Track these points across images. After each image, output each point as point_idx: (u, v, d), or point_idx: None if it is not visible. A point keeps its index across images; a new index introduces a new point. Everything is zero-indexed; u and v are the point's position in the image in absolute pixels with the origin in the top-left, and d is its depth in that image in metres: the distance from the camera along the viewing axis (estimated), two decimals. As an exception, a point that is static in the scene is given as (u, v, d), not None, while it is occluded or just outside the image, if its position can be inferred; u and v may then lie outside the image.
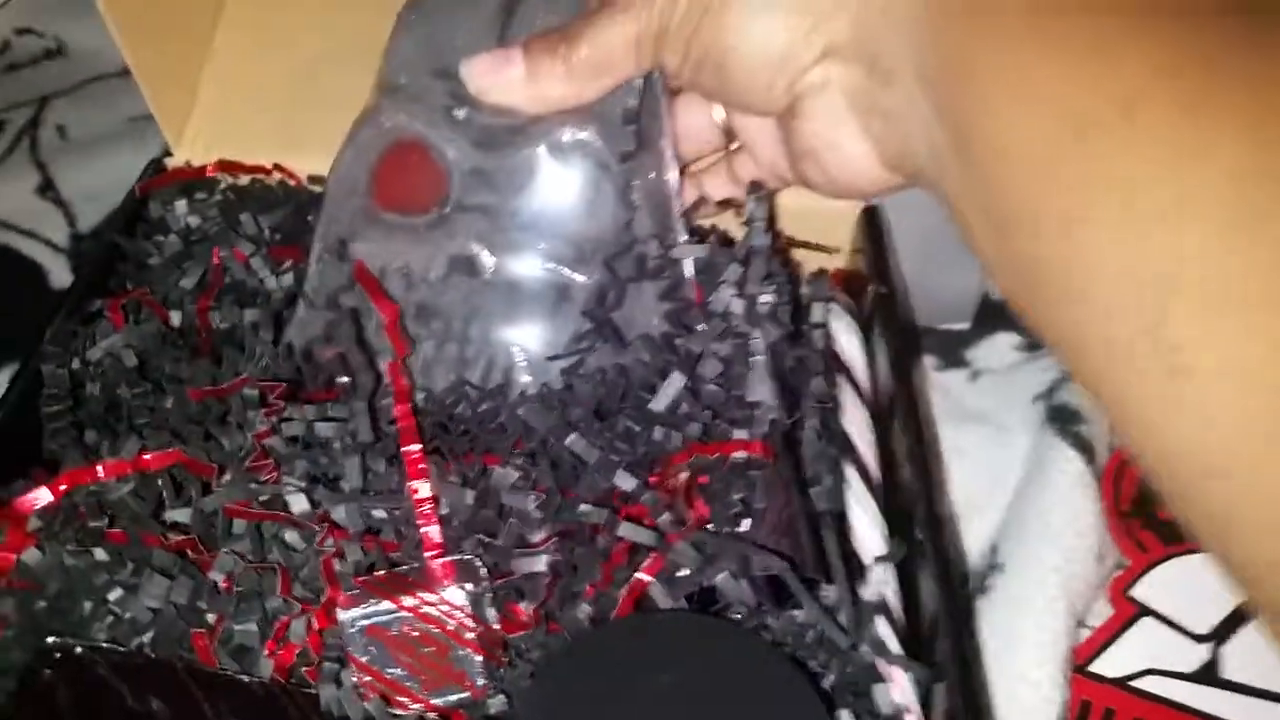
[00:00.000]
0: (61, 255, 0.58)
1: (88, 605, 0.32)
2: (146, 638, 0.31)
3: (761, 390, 0.35)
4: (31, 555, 0.32)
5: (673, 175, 0.37)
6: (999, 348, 0.51)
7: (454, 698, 0.31)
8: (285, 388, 0.36)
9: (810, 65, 0.31)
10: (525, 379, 0.36)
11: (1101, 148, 0.22)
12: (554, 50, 0.34)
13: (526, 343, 0.36)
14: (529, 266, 0.35)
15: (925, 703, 0.31)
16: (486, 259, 0.35)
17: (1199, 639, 0.40)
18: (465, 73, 0.36)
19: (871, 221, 0.44)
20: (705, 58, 0.32)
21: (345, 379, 0.35)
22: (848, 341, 0.41)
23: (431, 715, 0.31)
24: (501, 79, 0.35)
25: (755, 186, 0.40)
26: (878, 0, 0.28)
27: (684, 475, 0.35)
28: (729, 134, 0.40)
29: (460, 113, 0.36)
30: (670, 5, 0.32)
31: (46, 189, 0.61)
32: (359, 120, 0.38)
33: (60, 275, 0.57)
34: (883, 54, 0.29)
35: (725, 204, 0.42)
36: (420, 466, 0.32)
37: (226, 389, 0.36)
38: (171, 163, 0.47)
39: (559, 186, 0.35)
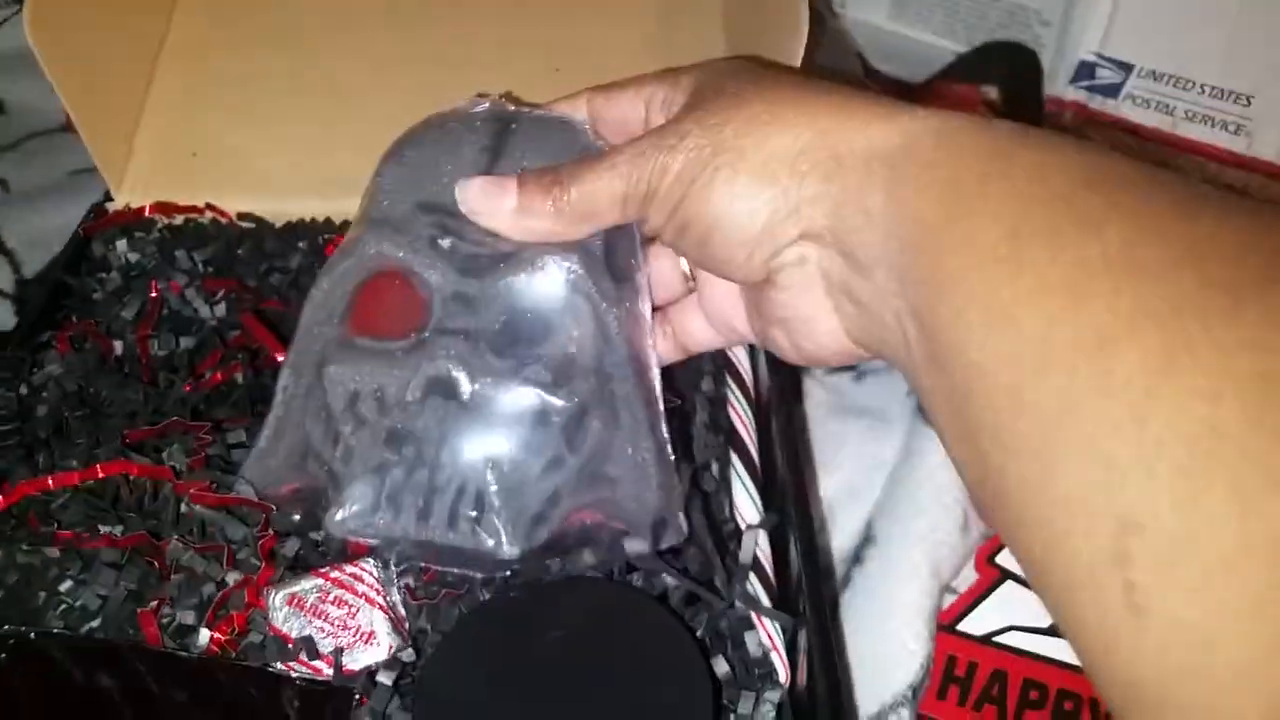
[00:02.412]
0: (8, 300, 0.61)
1: (41, 596, 0.35)
2: (96, 623, 0.35)
3: None
4: (-13, 555, 0.36)
5: (647, 307, 0.38)
6: (882, 351, 0.56)
7: (366, 659, 0.34)
8: (209, 427, 0.40)
9: (788, 244, 0.31)
10: (496, 503, 0.35)
11: (1071, 385, 0.22)
12: (546, 189, 0.35)
13: (501, 464, 0.35)
14: (507, 389, 0.35)
15: (791, 646, 0.36)
16: (464, 382, 0.35)
17: (1049, 594, 0.45)
18: (460, 192, 0.36)
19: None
20: (688, 226, 0.33)
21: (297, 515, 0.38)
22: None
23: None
24: (493, 204, 0.36)
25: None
26: (857, 196, 0.29)
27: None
28: (690, 284, 0.40)
29: (445, 242, 0.36)
30: (659, 173, 0.33)
31: (-9, 240, 0.64)
32: (340, 250, 0.38)
33: (6, 319, 0.60)
34: (859, 247, 0.29)
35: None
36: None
37: (159, 430, 0.40)
38: (112, 207, 0.51)
39: (540, 311, 0.36)
